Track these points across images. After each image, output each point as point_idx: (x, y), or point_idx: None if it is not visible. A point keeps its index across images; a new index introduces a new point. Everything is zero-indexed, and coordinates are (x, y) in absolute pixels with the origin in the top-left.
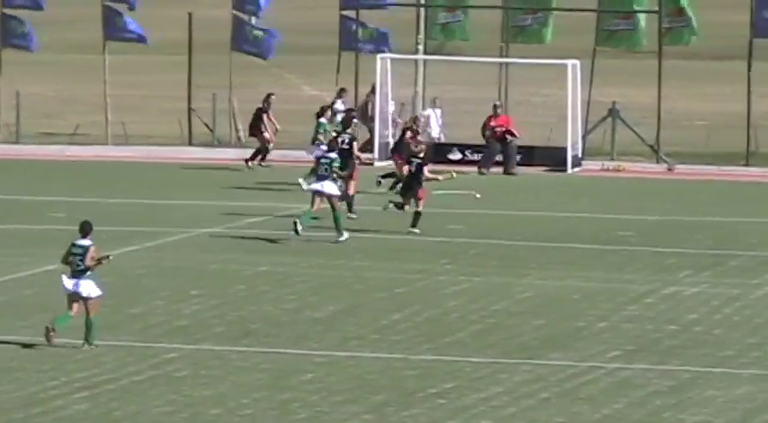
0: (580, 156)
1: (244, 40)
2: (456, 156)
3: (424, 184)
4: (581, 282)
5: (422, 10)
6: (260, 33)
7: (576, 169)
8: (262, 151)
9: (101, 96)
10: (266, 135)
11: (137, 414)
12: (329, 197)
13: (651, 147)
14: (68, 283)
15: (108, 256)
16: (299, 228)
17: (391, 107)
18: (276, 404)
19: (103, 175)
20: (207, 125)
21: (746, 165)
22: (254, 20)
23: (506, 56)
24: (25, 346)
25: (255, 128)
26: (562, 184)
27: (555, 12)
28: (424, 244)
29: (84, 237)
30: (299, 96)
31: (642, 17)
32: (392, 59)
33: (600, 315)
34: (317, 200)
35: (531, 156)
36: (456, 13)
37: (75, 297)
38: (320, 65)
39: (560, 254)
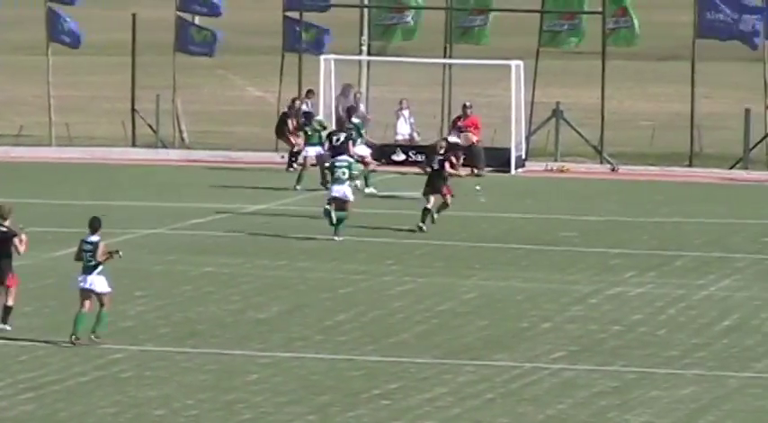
0: (524, 156)
1: (188, 41)
2: (400, 157)
3: (447, 180)
4: (525, 282)
5: (365, 11)
6: (207, 33)
7: (520, 170)
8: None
9: (44, 97)
10: (292, 139)
11: (82, 415)
12: (344, 202)
13: (595, 147)
14: (87, 280)
15: (117, 252)
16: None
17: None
18: (221, 405)
19: (47, 176)
20: (150, 126)
21: (690, 165)
22: (197, 19)
23: (450, 57)
24: None
25: (281, 132)
26: (506, 184)
27: (496, 12)
28: (369, 245)
29: (92, 233)
30: (243, 98)
31: (585, 18)
32: (335, 60)
33: (544, 316)
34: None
35: (478, 157)
36: (404, 14)
37: (87, 294)
38: (264, 66)
39: (504, 254)
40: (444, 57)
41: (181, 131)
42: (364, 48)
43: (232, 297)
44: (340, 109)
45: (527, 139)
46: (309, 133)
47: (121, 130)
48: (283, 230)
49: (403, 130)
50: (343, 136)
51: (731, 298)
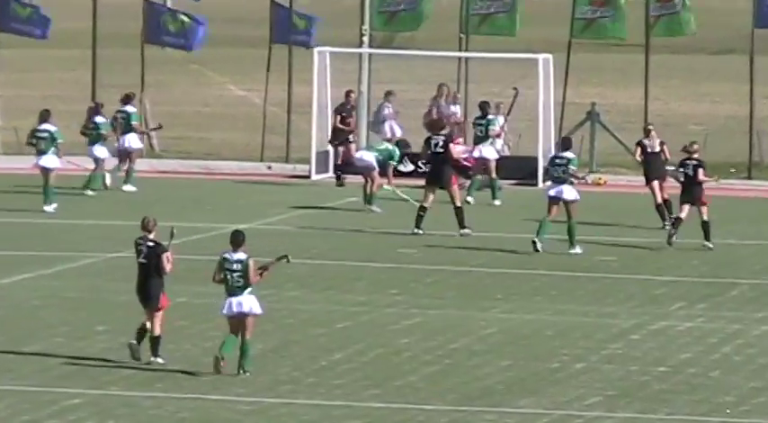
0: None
1: (161, 31)
2: (407, 167)
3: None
4: (554, 316)
5: None
6: (185, 20)
7: (549, 183)
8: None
9: None
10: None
11: None
12: (570, 202)
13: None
14: (235, 303)
15: (286, 256)
16: (539, 246)
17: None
18: None
19: None
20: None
21: (749, 177)
22: (169, 1)
23: (466, 49)
24: None
25: (336, 137)
26: (533, 200)
27: None
28: (370, 271)
29: (236, 249)
30: (223, 97)
31: (625, 3)
32: (332, 54)
33: (576, 355)
34: (554, 207)
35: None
36: None
37: (238, 319)
38: (248, 60)
39: (530, 283)
40: (459, 49)
41: (149, 137)
42: (366, 39)
43: (209, 332)
44: (433, 112)
45: (557, 146)
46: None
47: (79, 136)
48: (269, 254)
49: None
50: (441, 140)
51: None
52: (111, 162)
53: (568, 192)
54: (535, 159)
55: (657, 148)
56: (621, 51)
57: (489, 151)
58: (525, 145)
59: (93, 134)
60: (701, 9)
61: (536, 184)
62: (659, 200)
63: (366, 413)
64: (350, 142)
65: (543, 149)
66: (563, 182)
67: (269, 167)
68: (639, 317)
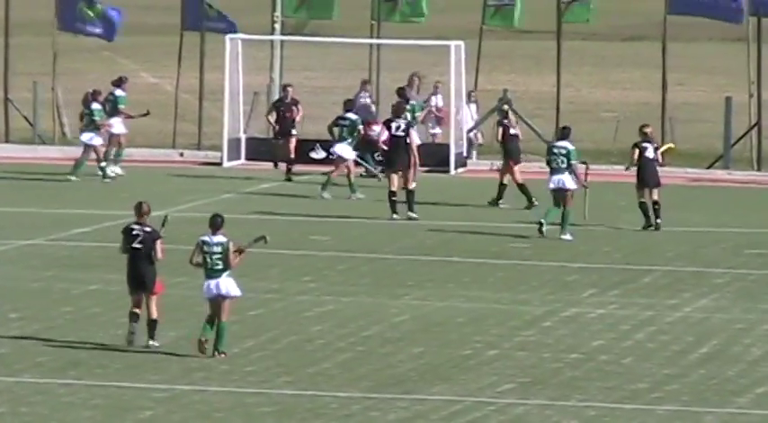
0: (465, 154)
1: (74, 18)
2: (320, 154)
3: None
4: (467, 302)
5: None
6: (99, 8)
7: (461, 170)
8: None
9: None
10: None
11: None
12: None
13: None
14: (213, 286)
15: (263, 237)
16: (545, 228)
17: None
18: None
19: None
20: (27, 119)
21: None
22: None
23: (378, 36)
24: None
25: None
26: (444, 187)
27: None
28: (282, 258)
29: (215, 232)
30: (135, 85)
31: None
32: (243, 41)
33: (489, 342)
34: (560, 198)
35: None
36: None
37: (218, 301)
38: (159, 48)
39: (442, 269)
40: (371, 36)
41: (62, 125)
42: (277, 26)
43: (122, 320)
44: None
45: (469, 133)
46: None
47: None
48: (182, 241)
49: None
50: (403, 123)
51: (708, 320)
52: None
53: (569, 181)
54: (447, 147)
55: (653, 155)
56: (533, 38)
57: (345, 149)
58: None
59: (87, 120)
60: None
61: (448, 171)
62: (648, 200)
63: (279, 400)
64: (291, 135)
65: (455, 137)
66: (562, 172)
67: (181, 154)
68: (552, 304)
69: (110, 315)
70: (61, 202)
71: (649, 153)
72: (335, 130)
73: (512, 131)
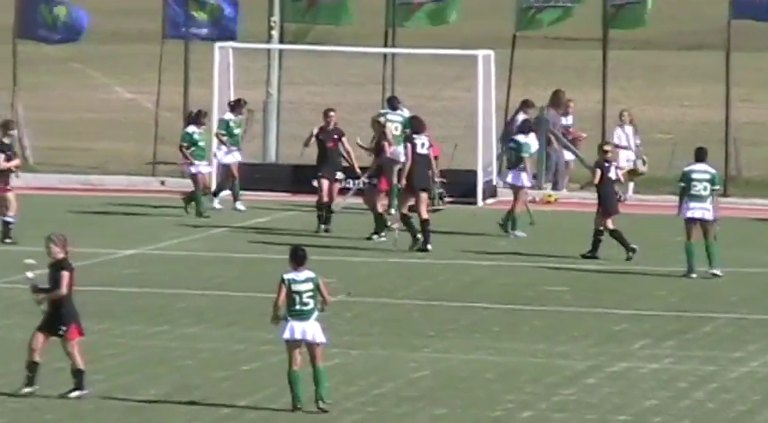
0: (495, 182)
1: (36, 23)
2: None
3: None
4: (496, 355)
5: None
6: (65, 12)
7: (491, 201)
8: None
9: None
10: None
11: None
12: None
13: (590, 168)
14: (299, 329)
15: (349, 293)
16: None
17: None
18: None
19: None
20: None
21: (724, 194)
22: None
23: (393, 45)
24: None
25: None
26: (471, 220)
27: None
28: None
29: (299, 266)
30: (109, 101)
31: None
32: (235, 50)
33: (522, 401)
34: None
35: None
36: None
37: (298, 345)
38: (137, 58)
39: (468, 316)
40: (385, 45)
41: (23, 148)
42: (275, 32)
43: (93, 376)
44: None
45: (500, 158)
46: None
47: None
48: (164, 284)
49: (621, 159)
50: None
51: None
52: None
53: (712, 211)
54: (474, 174)
55: (615, 175)
56: (575, 47)
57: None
58: (463, 157)
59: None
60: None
61: (476, 202)
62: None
63: None
64: (335, 176)
65: (483, 162)
66: (704, 200)
67: (162, 183)
68: (596, 357)
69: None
70: (20, 237)
71: (612, 174)
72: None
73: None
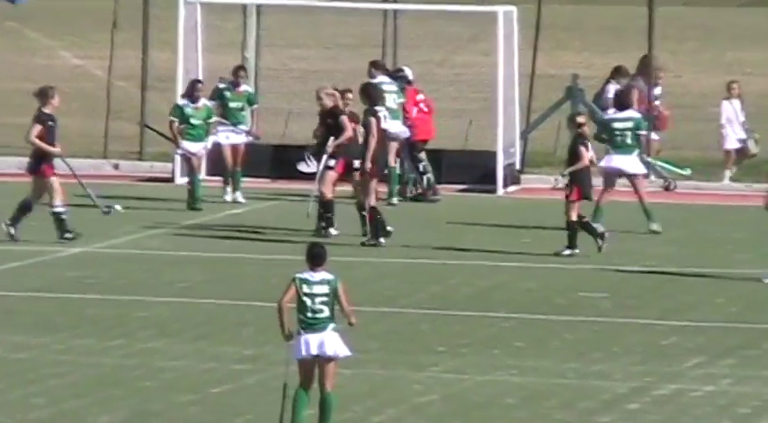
0: (519, 166)
1: None
2: (311, 167)
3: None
4: (519, 376)
5: None
6: None
7: (513, 188)
8: None
9: None
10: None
11: None
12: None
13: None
14: (314, 342)
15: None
16: None
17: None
18: None
19: None
20: None
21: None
22: None
23: (395, 1)
24: None
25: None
26: (489, 212)
27: None
28: (259, 313)
29: (318, 266)
30: (53, 68)
31: None
32: (204, 5)
33: None
34: None
35: (436, 167)
36: None
37: (313, 364)
38: (85, 16)
39: (485, 329)
40: (386, 0)
41: None
42: None
43: (34, 399)
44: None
45: (524, 137)
46: None
47: None
48: (117, 289)
49: (729, 139)
50: None
51: None
52: None
53: None
54: (493, 156)
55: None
56: (614, 2)
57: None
58: (478, 135)
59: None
60: None
61: (495, 191)
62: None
63: None
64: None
65: (504, 142)
66: None
67: (116, 167)
68: (640, 378)
69: (19, 392)
70: None
71: (591, 153)
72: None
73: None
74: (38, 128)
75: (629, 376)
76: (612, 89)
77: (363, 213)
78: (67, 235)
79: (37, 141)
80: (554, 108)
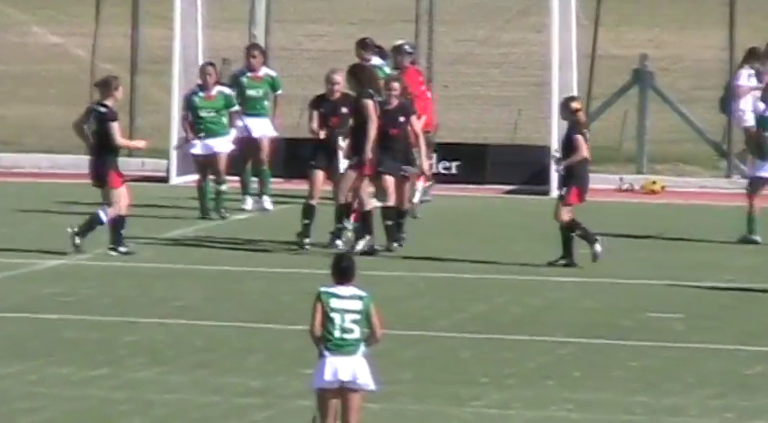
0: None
1: None
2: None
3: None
4: (577, 411)
5: None
6: None
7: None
8: None
9: None
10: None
11: None
12: None
13: (714, 143)
14: (343, 368)
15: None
16: None
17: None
18: None
19: None
20: None
21: None
22: None
23: None
24: None
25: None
26: (542, 217)
27: None
28: (269, 336)
29: (345, 282)
30: (28, 47)
31: None
32: None
33: None
34: None
35: (479, 164)
36: None
37: (335, 394)
38: None
39: (538, 356)
40: None
41: None
42: None
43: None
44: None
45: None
46: None
47: None
48: (102, 309)
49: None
50: None
51: None
52: None
53: None
54: (545, 151)
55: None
56: None
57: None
58: (529, 128)
59: None
60: None
61: (548, 192)
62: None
63: None
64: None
65: (560, 135)
66: None
67: None
68: (720, 413)
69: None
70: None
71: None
72: None
73: None
74: (117, 126)
75: (705, 411)
76: (745, 75)
77: (388, 223)
78: (122, 249)
79: (125, 142)
80: (619, 94)
